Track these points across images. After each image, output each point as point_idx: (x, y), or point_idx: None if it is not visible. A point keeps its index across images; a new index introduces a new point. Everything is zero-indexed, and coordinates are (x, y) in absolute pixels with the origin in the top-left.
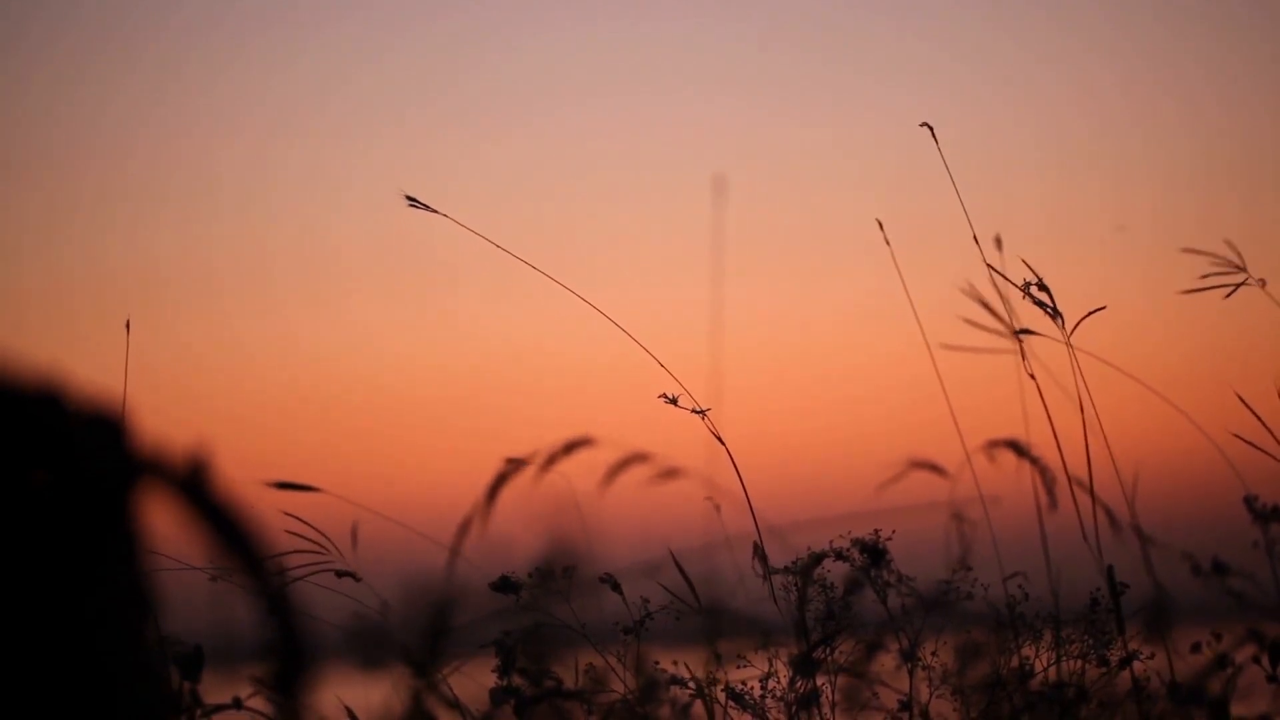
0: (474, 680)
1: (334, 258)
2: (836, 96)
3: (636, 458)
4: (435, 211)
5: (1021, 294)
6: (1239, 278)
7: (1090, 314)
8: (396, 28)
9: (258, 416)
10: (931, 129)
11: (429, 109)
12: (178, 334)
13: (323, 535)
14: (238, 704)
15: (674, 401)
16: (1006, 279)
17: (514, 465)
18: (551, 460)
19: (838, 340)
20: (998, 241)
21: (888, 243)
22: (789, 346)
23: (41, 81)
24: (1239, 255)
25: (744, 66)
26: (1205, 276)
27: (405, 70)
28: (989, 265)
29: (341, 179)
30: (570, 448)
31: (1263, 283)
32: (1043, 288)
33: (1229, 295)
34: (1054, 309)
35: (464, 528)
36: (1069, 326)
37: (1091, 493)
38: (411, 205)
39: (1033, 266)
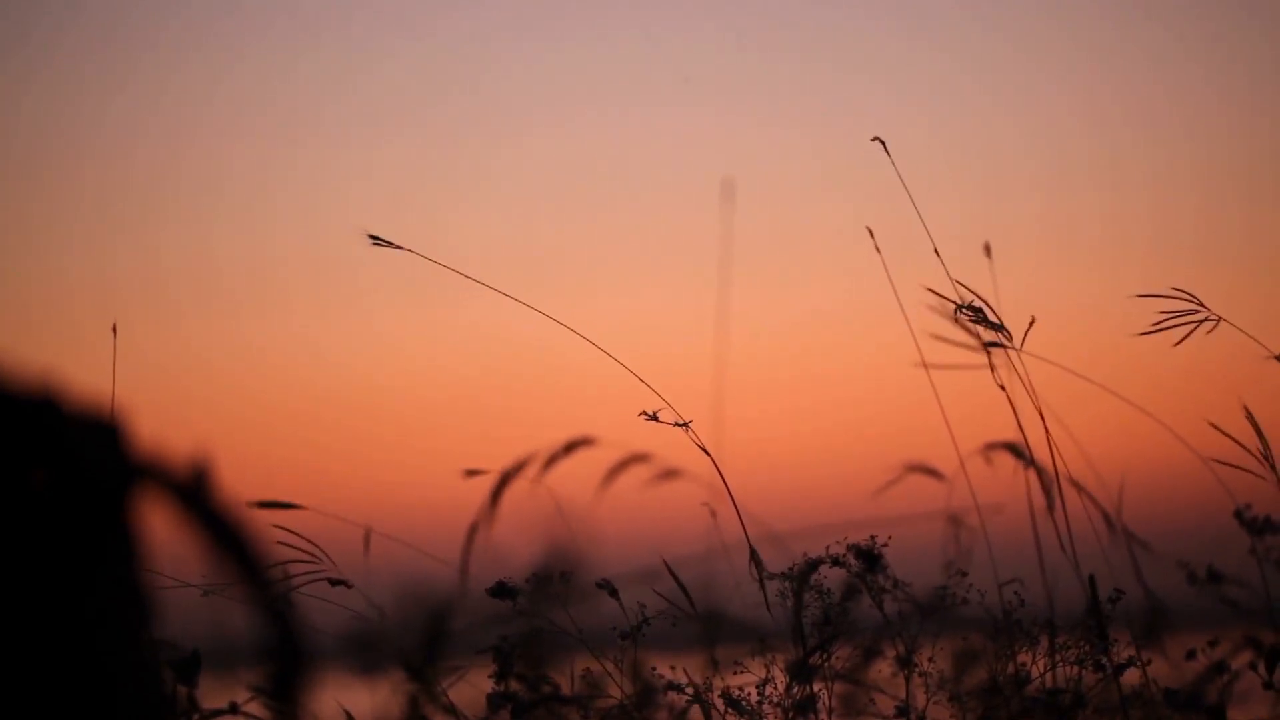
0: (471, 685)
1: (333, 262)
2: (834, 100)
3: (636, 458)
4: (399, 248)
5: (954, 317)
6: (1198, 316)
7: (1031, 326)
8: (405, 30)
9: (257, 419)
10: (884, 143)
11: (429, 115)
12: (178, 337)
13: (314, 545)
14: (234, 709)
15: (654, 418)
16: (943, 298)
17: (510, 472)
18: (551, 461)
19: (832, 345)
20: (987, 249)
21: (878, 250)
22: (785, 352)
23: (41, 84)
24: (1193, 296)
25: (741, 70)
26: (1161, 320)
27: (410, 76)
28: (930, 290)
29: (342, 182)
30: (570, 447)
31: (1218, 320)
32: (978, 310)
33: (1183, 340)
34: (999, 324)
35: (470, 535)
36: (1017, 340)
37: (1061, 500)
38: (375, 244)
39: (970, 286)
